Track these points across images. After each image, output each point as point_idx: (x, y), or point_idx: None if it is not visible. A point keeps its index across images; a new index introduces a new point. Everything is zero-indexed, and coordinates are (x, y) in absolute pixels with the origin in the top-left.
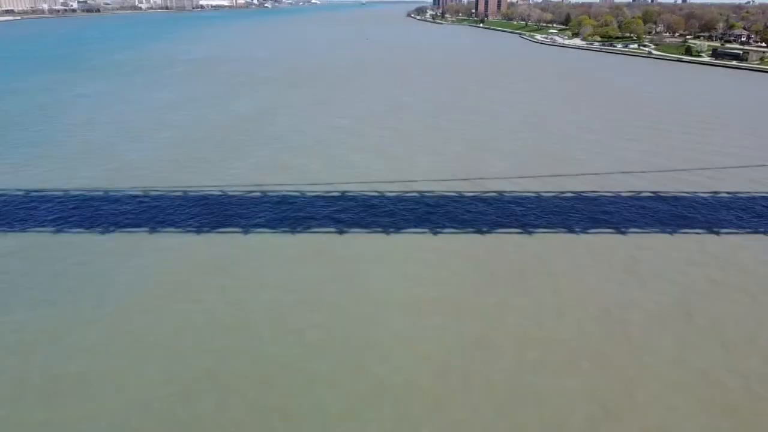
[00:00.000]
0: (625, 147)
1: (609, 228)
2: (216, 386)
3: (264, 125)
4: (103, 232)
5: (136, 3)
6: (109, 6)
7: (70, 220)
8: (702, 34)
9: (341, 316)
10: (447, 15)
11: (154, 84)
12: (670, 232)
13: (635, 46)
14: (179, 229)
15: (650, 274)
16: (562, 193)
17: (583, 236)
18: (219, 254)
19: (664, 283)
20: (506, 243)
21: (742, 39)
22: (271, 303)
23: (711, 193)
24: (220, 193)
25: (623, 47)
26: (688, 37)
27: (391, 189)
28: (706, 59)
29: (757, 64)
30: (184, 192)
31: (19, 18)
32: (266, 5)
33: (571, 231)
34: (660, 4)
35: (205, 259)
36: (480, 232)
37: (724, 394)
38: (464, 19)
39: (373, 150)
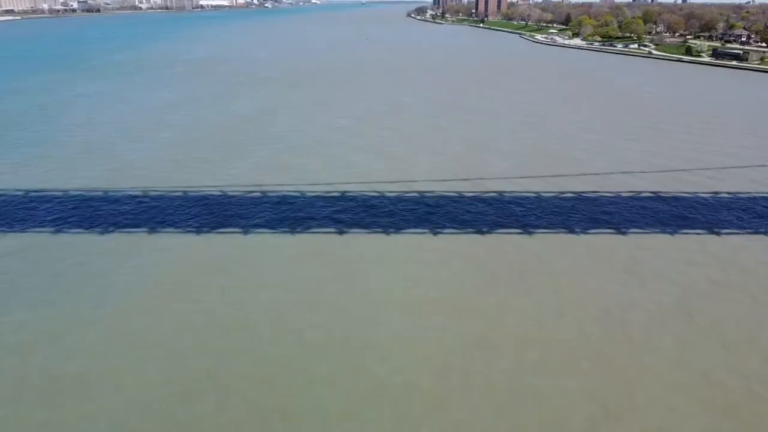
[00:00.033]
0: (626, 147)
1: (609, 228)
2: (216, 386)
3: (264, 125)
4: (102, 233)
5: (136, 3)
6: (109, 6)
7: (69, 220)
8: (702, 34)
9: (341, 316)
10: (447, 15)
11: (154, 84)
12: (670, 233)
13: (635, 46)
14: (179, 230)
15: (651, 274)
16: (563, 193)
17: (583, 236)
18: (219, 254)
19: (664, 283)
20: (506, 243)
21: (743, 39)
22: (270, 303)
23: (711, 193)
24: (219, 193)
25: (623, 47)
26: (688, 37)
27: (391, 189)
28: (707, 59)
29: (758, 64)
30: (184, 192)
31: (19, 18)
32: (266, 5)
33: (572, 231)
34: (660, 4)
35: (205, 259)
36: (480, 232)
37: (724, 394)
38: (464, 19)
39: (373, 150)
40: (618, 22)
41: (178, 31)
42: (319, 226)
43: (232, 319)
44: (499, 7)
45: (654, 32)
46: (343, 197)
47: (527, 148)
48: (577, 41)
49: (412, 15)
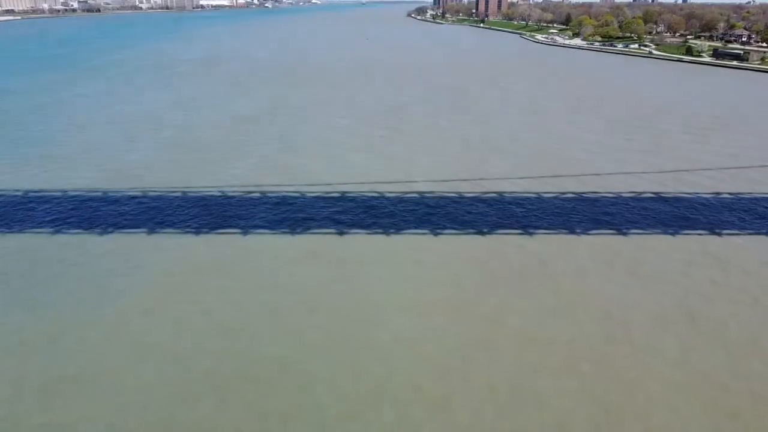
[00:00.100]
0: (626, 147)
1: (610, 229)
2: (215, 387)
3: (264, 125)
4: (101, 233)
5: (137, 3)
6: (110, 6)
7: (68, 220)
8: (703, 34)
9: (341, 317)
10: (447, 15)
11: (154, 84)
12: (671, 234)
13: (636, 46)
14: (178, 230)
15: (652, 275)
16: (563, 193)
17: (584, 237)
18: (218, 255)
19: (665, 284)
20: (507, 244)
21: (743, 39)
22: (270, 304)
23: (713, 194)
24: (219, 193)
25: (624, 47)
26: (688, 37)
27: (391, 190)
28: (707, 59)
29: (758, 64)
30: (183, 193)
31: (19, 18)
32: (267, 5)
33: (572, 232)
34: (660, 4)
35: (205, 260)
36: (481, 233)
37: (726, 396)
38: (464, 19)
39: (373, 150)
40: (618, 22)
41: (178, 31)
42: (319, 226)
43: (232, 320)
44: (499, 7)
45: (654, 32)
46: (343, 198)
47: (527, 148)
48: (577, 41)
49: (413, 15)
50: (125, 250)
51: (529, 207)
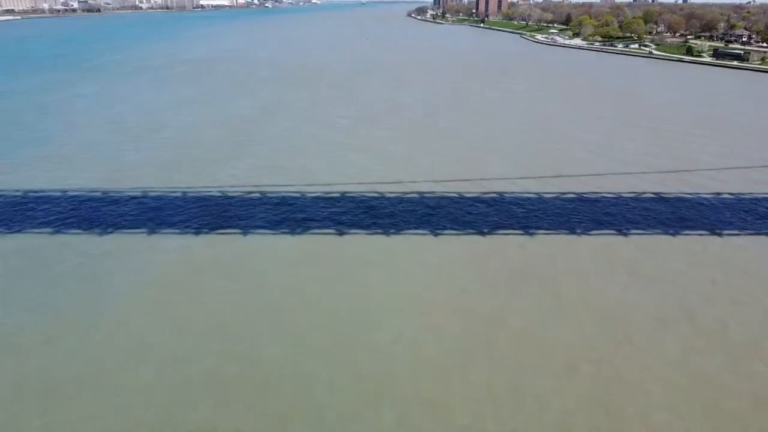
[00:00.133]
0: (627, 147)
1: (611, 229)
2: (215, 389)
3: (264, 125)
4: (101, 234)
5: (137, 3)
6: (110, 6)
7: (68, 221)
8: (703, 34)
9: (341, 318)
10: (447, 15)
11: (154, 84)
12: (672, 234)
13: (636, 46)
14: (178, 231)
15: (652, 275)
16: (564, 194)
17: (584, 238)
18: (218, 256)
19: (666, 285)
20: (507, 244)
21: (743, 39)
22: (270, 305)
23: (713, 194)
24: (219, 194)
25: (624, 47)
26: (689, 37)
27: (392, 190)
28: (707, 59)
29: (759, 64)
30: (183, 193)
31: (19, 18)
32: (267, 5)
33: (573, 232)
34: (661, 4)
35: (204, 260)
36: (481, 233)
37: (727, 397)
38: (465, 19)
39: (373, 150)
40: (618, 22)
41: (178, 31)
42: (319, 227)
43: (232, 321)
44: (499, 7)
45: (655, 32)
46: (343, 198)
47: (528, 148)
48: (577, 41)
49: (413, 15)
50: (125, 250)
51: (530, 207)
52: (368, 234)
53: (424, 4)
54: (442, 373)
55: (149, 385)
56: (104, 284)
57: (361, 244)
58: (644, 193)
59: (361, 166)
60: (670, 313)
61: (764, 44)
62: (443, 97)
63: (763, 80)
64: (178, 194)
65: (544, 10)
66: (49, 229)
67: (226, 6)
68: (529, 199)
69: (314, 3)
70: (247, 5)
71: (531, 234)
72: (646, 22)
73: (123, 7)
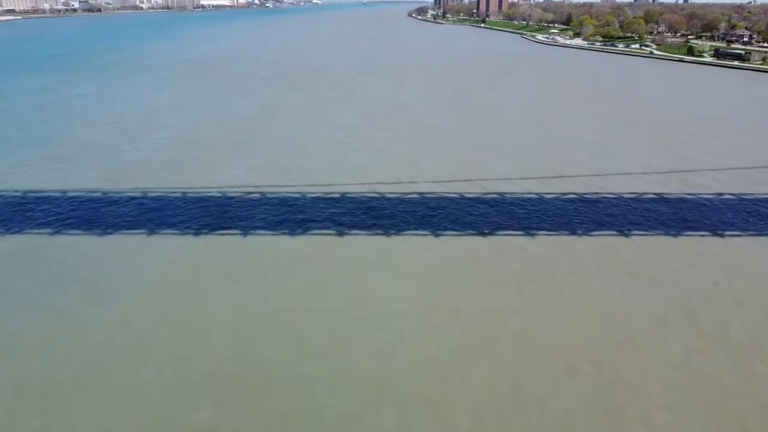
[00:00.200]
0: (627, 148)
1: (612, 230)
2: (215, 389)
3: (264, 126)
4: (101, 234)
5: (137, 3)
6: (111, 6)
7: (68, 221)
8: (704, 34)
9: (341, 318)
10: (448, 15)
11: (154, 84)
12: (673, 235)
13: (637, 46)
14: (178, 231)
15: (653, 276)
16: (564, 194)
17: (585, 238)
18: (218, 256)
19: (667, 285)
20: (508, 245)
21: (744, 39)
22: (270, 305)
23: (714, 194)
24: (219, 194)
25: (625, 47)
26: (690, 37)
27: (392, 190)
28: (708, 59)
29: (760, 64)
30: (183, 193)
31: (20, 18)
32: (267, 5)
33: (574, 233)
34: (661, 4)
35: (204, 261)
36: (482, 234)
37: (728, 398)
38: (465, 19)
39: (374, 151)
40: (619, 22)
41: (178, 31)
42: (319, 227)
43: (232, 321)
44: (500, 7)
45: (655, 32)
46: (344, 198)
47: (528, 148)
48: (578, 41)
49: (413, 15)
50: (125, 250)
51: (530, 208)
52: (368, 235)
53: (424, 4)
54: (442, 373)
55: (149, 386)
56: (104, 285)
57: (361, 244)
58: (645, 193)
59: (362, 167)
60: (672, 314)
61: (765, 44)
62: (444, 97)
63: (764, 80)
64: (178, 194)
65: (544, 10)
66: (48, 230)
67: (226, 6)
68: (530, 199)
69: (315, 3)
70: (248, 5)
71: (532, 235)
72: (647, 22)
73: (124, 7)
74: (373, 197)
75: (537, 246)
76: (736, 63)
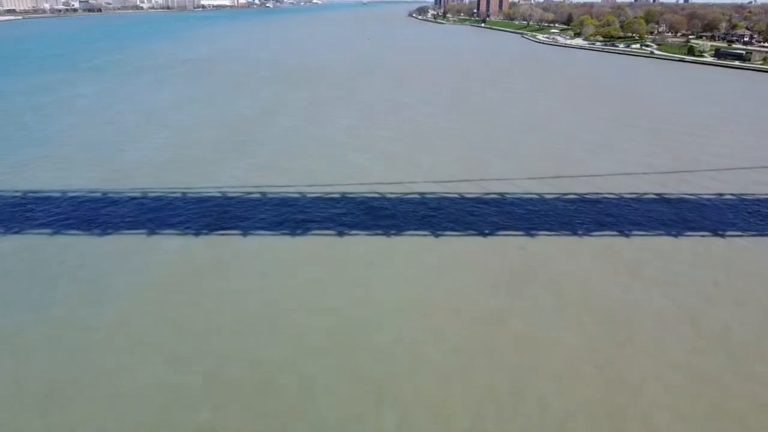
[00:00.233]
0: (628, 148)
1: (613, 231)
2: (214, 391)
3: (264, 126)
4: (101, 234)
5: (138, 2)
6: (111, 5)
7: (67, 221)
8: (704, 34)
9: (342, 319)
10: (448, 15)
11: (155, 84)
12: (674, 235)
13: (637, 46)
14: (178, 231)
15: (654, 277)
16: (565, 194)
17: (586, 239)
18: (218, 257)
19: (668, 286)
20: (509, 245)
21: (745, 39)
22: (270, 306)
23: (715, 195)
24: (219, 194)
25: (625, 47)
26: (690, 37)
27: (392, 190)
28: (709, 59)
29: (760, 64)
30: (183, 194)
31: (20, 18)
32: (268, 5)
33: (574, 233)
34: (662, 3)
35: (204, 261)
36: (482, 234)
37: (729, 400)
38: (466, 19)
39: (374, 151)
40: (620, 21)
41: (179, 31)
42: (320, 227)
43: (232, 322)
44: (500, 7)
45: (656, 32)
46: (344, 198)
47: (529, 148)
48: (579, 41)
49: (414, 15)
50: (125, 251)
51: (531, 208)
52: (369, 235)
53: (425, 4)
54: (442, 374)
55: (149, 386)
56: (104, 285)
57: (361, 245)
58: (646, 193)
59: (362, 167)
60: (672, 315)
61: (766, 44)
62: (444, 97)
63: (764, 80)
64: (178, 195)
65: (545, 9)
66: (48, 230)
67: (227, 6)
68: (530, 199)
69: (315, 3)
70: (248, 5)
71: (532, 235)
72: (647, 22)
73: (124, 7)
74: (374, 197)
75: (537, 246)
76: (737, 63)
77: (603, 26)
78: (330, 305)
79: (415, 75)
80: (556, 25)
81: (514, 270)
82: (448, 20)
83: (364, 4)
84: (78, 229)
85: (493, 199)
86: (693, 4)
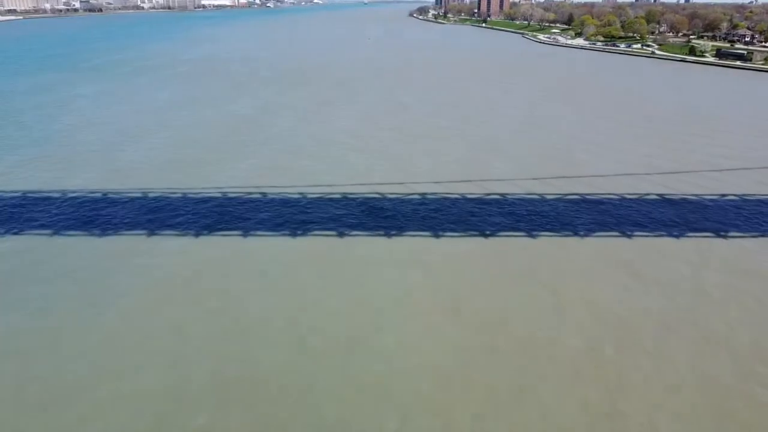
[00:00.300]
0: (630, 148)
1: (614, 231)
2: (215, 391)
3: (264, 126)
4: (101, 235)
5: (139, 2)
6: (112, 5)
7: (67, 222)
8: (705, 34)
9: (342, 320)
10: (449, 15)
11: (155, 84)
12: (676, 236)
13: (638, 46)
14: (178, 232)
15: (656, 278)
16: (566, 195)
17: (587, 239)
18: (218, 257)
19: (670, 287)
20: (510, 246)
21: (746, 39)
22: (270, 307)
23: (718, 195)
24: (219, 195)
25: (626, 47)
26: (691, 37)
27: (393, 191)
28: (710, 59)
29: (762, 64)
30: (183, 194)
31: (21, 18)
32: (268, 5)
33: (576, 234)
34: (663, 3)
35: (205, 262)
36: (483, 234)
37: (731, 401)
38: (466, 19)
39: (375, 151)
40: (621, 21)
41: (179, 31)
42: (320, 228)
43: (232, 324)
44: (501, 6)
45: (657, 32)
46: (344, 199)
47: (530, 148)
48: (579, 41)
49: (414, 15)
50: (124, 252)
51: (532, 209)
52: (369, 235)
53: (425, 4)
54: (443, 375)
55: (149, 388)
56: (104, 286)
57: (362, 245)
58: (647, 194)
59: (362, 167)
60: (675, 316)
61: (767, 44)
62: (444, 97)
63: (766, 80)
64: (178, 195)
65: (546, 9)
66: (48, 230)
67: (227, 6)
68: (532, 200)
69: (316, 3)
70: (249, 5)
71: (533, 236)
72: (648, 21)
73: (125, 7)
74: (374, 198)
75: (539, 247)
76: (738, 63)
77: (604, 26)
78: (330, 306)
79: (416, 75)
80: (557, 25)
81: (515, 271)
82: (448, 20)
83: (365, 4)
84: (78, 229)
85: (494, 200)
86: (694, 4)
